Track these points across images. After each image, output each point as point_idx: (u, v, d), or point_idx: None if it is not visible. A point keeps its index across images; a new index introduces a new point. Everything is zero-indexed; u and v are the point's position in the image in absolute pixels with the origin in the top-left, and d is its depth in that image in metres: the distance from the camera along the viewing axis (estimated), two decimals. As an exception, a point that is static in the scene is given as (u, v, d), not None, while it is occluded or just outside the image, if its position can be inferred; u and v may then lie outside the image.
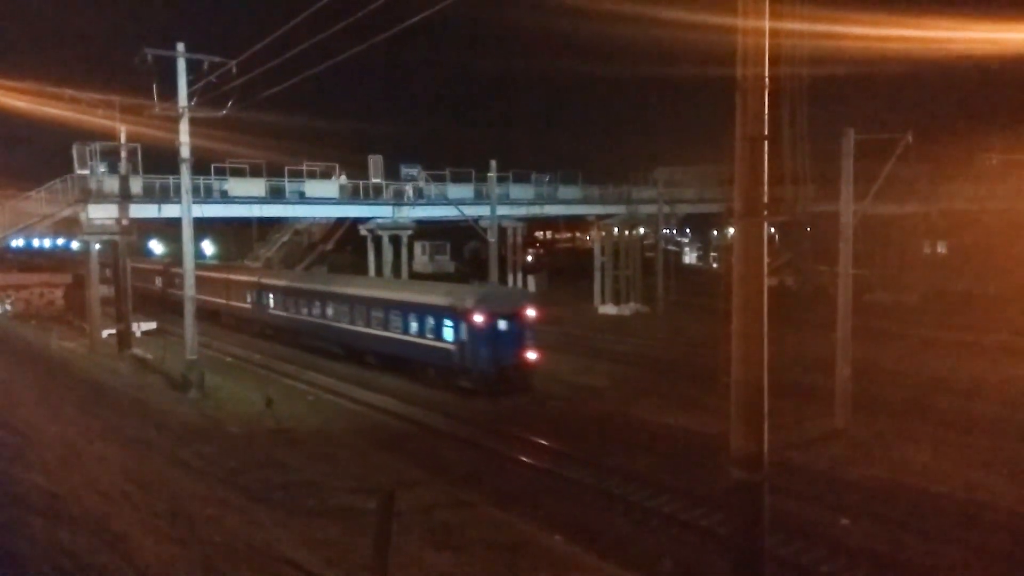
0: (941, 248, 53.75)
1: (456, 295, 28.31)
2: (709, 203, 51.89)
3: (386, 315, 30.37)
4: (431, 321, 28.09)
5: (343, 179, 40.59)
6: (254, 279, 40.95)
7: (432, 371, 28.42)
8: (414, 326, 28.90)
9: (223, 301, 42.81)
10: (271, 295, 38.74)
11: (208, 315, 39.82)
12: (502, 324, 26.80)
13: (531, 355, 27.45)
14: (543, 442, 21.03)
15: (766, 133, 8.09)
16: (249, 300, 40.73)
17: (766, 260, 8.15)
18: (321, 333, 34.92)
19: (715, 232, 77.67)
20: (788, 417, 20.62)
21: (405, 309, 29.51)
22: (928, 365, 28.68)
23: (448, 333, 27.32)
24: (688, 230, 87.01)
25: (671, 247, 66.17)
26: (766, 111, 8.08)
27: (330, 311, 33.83)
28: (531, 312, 28.04)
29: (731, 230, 8.67)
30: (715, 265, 71.91)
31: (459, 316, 26.89)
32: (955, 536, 14.18)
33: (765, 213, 8.12)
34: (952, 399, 23.75)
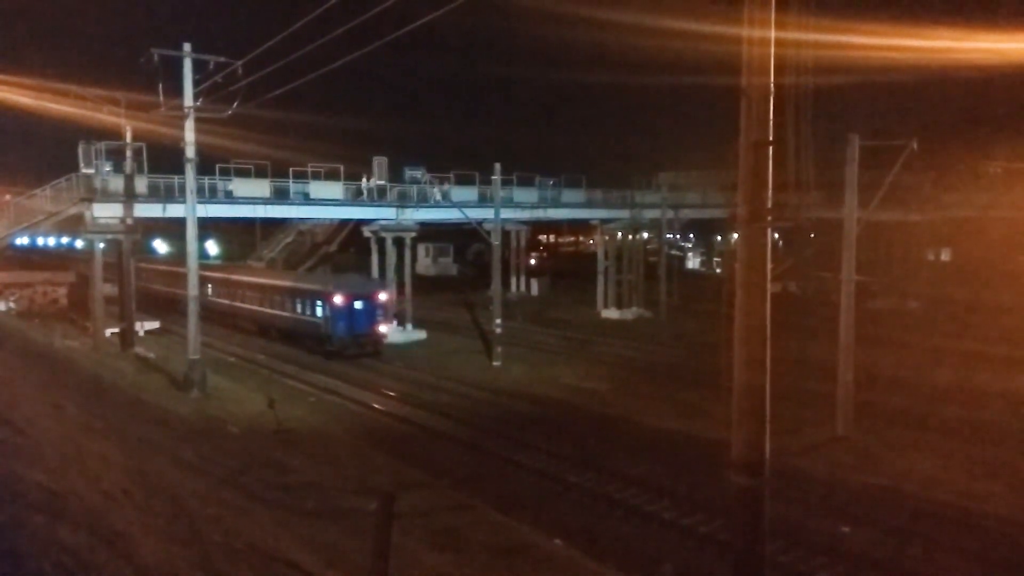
0: (945, 256, 53.63)
1: (323, 282, 37.60)
2: (712, 208, 51.86)
3: (281, 299, 38.57)
4: (308, 302, 36.75)
5: (373, 182, 40.70)
6: (158, 267, 49.35)
7: (309, 340, 36.77)
8: (298, 307, 37.40)
9: (183, 291, 46.93)
10: (209, 285, 43.78)
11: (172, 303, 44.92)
12: (357, 304, 35.42)
13: (382, 328, 36.33)
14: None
15: (771, 139, 8.10)
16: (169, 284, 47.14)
17: (769, 266, 8.14)
18: (240, 315, 42.36)
19: (718, 237, 77.62)
20: (790, 423, 20.59)
21: (292, 294, 37.87)
22: (931, 373, 28.62)
23: (318, 311, 35.95)
24: (691, 235, 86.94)
25: (674, 252, 66.16)
26: (771, 118, 8.08)
27: (245, 297, 41.81)
28: (383, 296, 36.90)
29: (735, 235, 8.67)
30: (718, 270, 71.83)
31: (325, 298, 35.37)
32: (956, 545, 14.14)
33: (769, 219, 8.12)
34: (955, 407, 23.69)
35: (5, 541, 5.30)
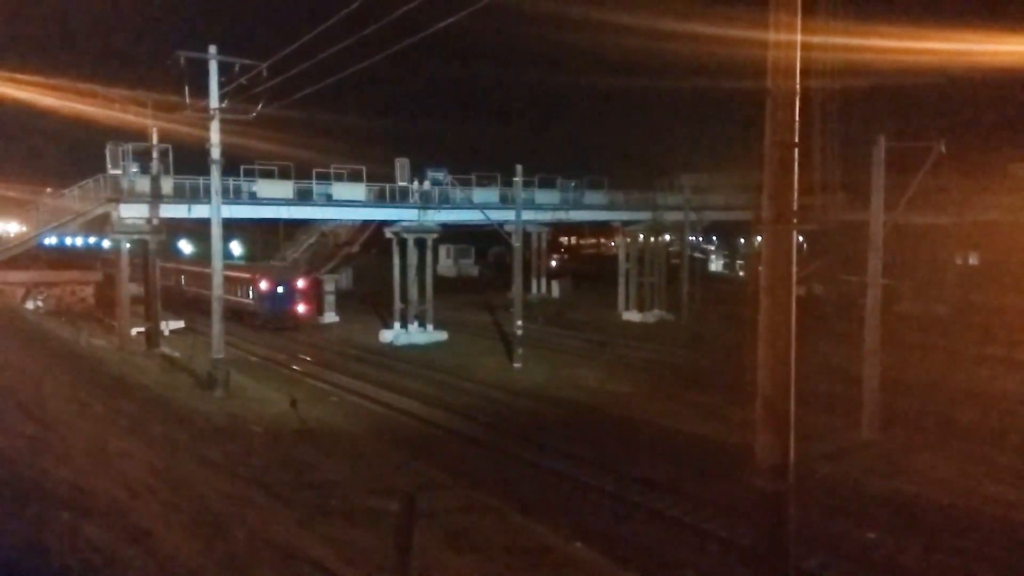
0: (973, 259, 52.79)
1: (253, 272, 47.85)
2: (736, 210, 51.42)
3: (229, 285, 41.27)
4: (244, 288, 46.74)
5: (426, 184, 41.01)
6: (173, 265, 54.90)
7: (245, 316, 45.97)
8: (239, 291, 45.99)
9: (172, 283, 55.17)
10: (183, 276, 54.17)
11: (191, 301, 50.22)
12: (279, 289, 45.59)
13: (300, 308, 46.26)
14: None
15: (796, 141, 8.01)
16: (174, 280, 54.17)
17: (795, 269, 8.05)
18: (204, 299, 44.89)
19: (742, 240, 77.05)
20: (814, 428, 20.37)
21: (235, 282, 45.02)
22: (958, 378, 28.18)
23: (250, 294, 46.53)
24: (714, 237, 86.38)
25: (697, 254, 65.74)
26: (796, 120, 8.00)
27: (202, 283, 45.91)
28: (301, 283, 46.72)
29: (759, 238, 8.58)
30: (741, 273, 71.24)
31: (254, 284, 45.91)
32: (985, 553, 13.91)
33: (794, 221, 8.03)
34: (982, 413, 23.31)
35: (33, 537, 5.37)
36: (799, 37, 7.81)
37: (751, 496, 8.35)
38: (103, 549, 5.94)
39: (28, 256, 38.27)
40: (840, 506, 16.17)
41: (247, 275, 47.76)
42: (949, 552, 14.06)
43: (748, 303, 8.99)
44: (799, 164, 8.06)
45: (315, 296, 48.07)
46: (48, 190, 34.87)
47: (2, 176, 52.50)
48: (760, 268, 8.13)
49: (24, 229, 35.37)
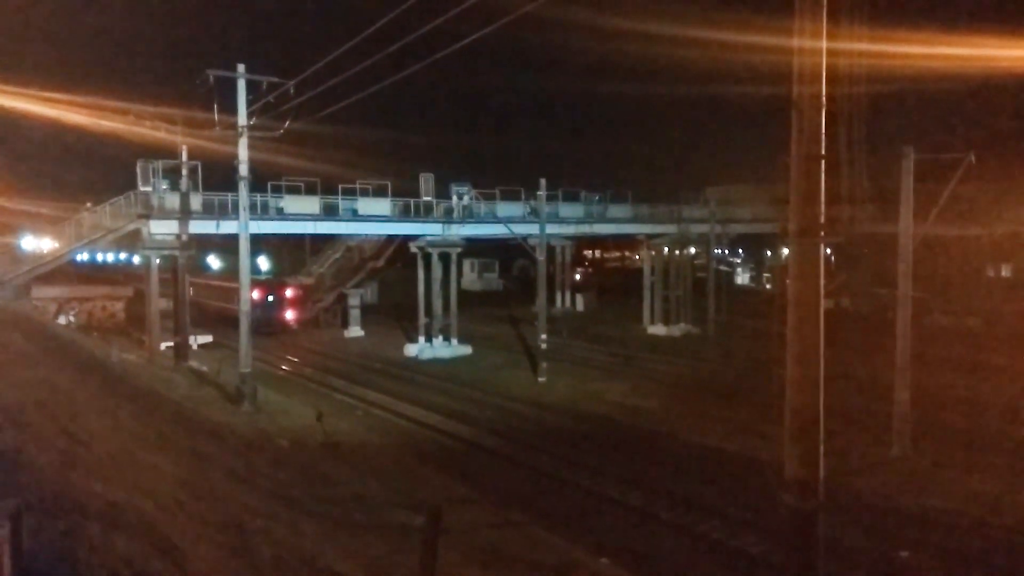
0: (1005, 271, 51.86)
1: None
2: (762, 223, 51.03)
3: (227, 295, 46.64)
4: (238, 296, 49.03)
5: (464, 199, 41.22)
6: (193, 280, 54.43)
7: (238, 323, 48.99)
8: (234, 299, 45.28)
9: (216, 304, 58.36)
10: (204, 290, 55.19)
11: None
12: (269, 297, 50.87)
13: (288, 315, 51.23)
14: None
15: (823, 152, 7.94)
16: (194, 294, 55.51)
17: (823, 282, 7.96)
18: (210, 309, 51.47)
19: (768, 252, 76.36)
20: (844, 443, 20.06)
21: (231, 291, 43.70)
22: (990, 392, 27.61)
23: None
24: (740, 250, 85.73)
25: (723, 267, 65.25)
26: (823, 130, 7.93)
27: (214, 295, 52.84)
28: (289, 292, 51.62)
29: (786, 250, 8.50)
30: (768, 286, 70.55)
31: None
32: (1021, 570, 13.56)
33: (822, 234, 7.94)
34: (1015, 427, 22.80)
35: (64, 549, 5.44)
36: (824, 43, 7.76)
37: (780, 513, 8.22)
38: (132, 561, 6.00)
39: (60, 272, 38.96)
40: (871, 523, 15.88)
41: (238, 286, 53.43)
42: (984, 571, 13.73)
43: (775, 316, 8.90)
44: (826, 175, 7.98)
45: (303, 304, 52.87)
46: (88, 204, 35.48)
47: (35, 194, 53.70)
48: (787, 281, 8.05)
49: (57, 245, 36.04)
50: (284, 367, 38.52)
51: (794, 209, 7.93)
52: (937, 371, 29.25)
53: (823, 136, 7.94)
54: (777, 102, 8.19)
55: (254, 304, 49.36)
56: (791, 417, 8.01)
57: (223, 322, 46.17)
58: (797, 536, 8.04)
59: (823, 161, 7.93)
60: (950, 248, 45.38)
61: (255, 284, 50.58)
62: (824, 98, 7.89)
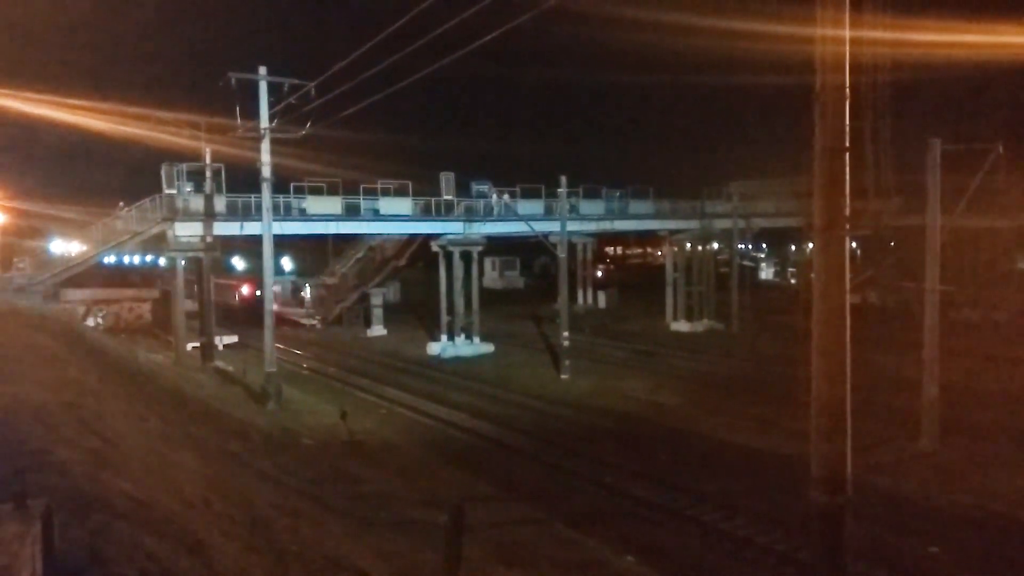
0: (1035, 264, 50.89)
1: (239, 279, 63.09)
2: (786, 217, 50.48)
3: (225, 290, 52.08)
4: (233, 291, 59.57)
5: (503, 200, 41.26)
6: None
7: (233, 314, 51.97)
8: (229, 294, 54.80)
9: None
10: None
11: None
12: (258, 292, 48.65)
13: (275, 307, 58.20)
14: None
15: (847, 144, 7.83)
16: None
17: (848, 275, 7.85)
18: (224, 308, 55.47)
19: (793, 247, 75.59)
20: (872, 439, 19.82)
21: (227, 286, 52.54)
22: (1019, 386, 27.14)
23: (236, 297, 58.75)
24: (764, 245, 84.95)
25: (746, 262, 64.64)
26: (847, 121, 7.82)
27: (224, 295, 55.61)
28: (277, 288, 47.41)
29: (810, 245, 8.40)
30: (793, 281, 69.85)
31: (237, 288, 59.52)
32: (1056, 569, 13.34)
33: (847, 227, 7.84)
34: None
35: (94, 547, 5.51)
36: (847, 33, 7.64)
37: (807, 509, 8.14)
38: (160, 559, 6.06)
39: (88, 274, 39.52)
40: (900, 519, 15.68)
41: (234, 282, 63.50)
42: (1016, 569, 13.51)
43: (800, 311, 8.80)
44: (850, 167, 7.87)
45: (293, 298, 59.08)
46: (121, 204, 35.92)
47: (61, 198, 54.49)
48: (812, 276, 7.95)
49: (84, 249, 36.57)
50: (308, 366, 38.79)
51: (818, 203, 7.83)
52: (966, 365, 28.79)
53: (847, 128, 7.84)
54: (801, 93, 8.08)
55: (243, 298, 56.78)
56: (817, 413, 7.92)
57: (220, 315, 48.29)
58: (824, 533, 7.95)
59: (847, 154, 7.83)
60: (978, 241, 44.63)
61: (244, 280, 61.89)
62: (847, 89, 7.78)
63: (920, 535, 15.05)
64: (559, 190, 36.56)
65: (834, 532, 7.88)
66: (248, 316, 49.57)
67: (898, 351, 27.64)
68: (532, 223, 39.31)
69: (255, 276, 60.84)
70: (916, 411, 20.56)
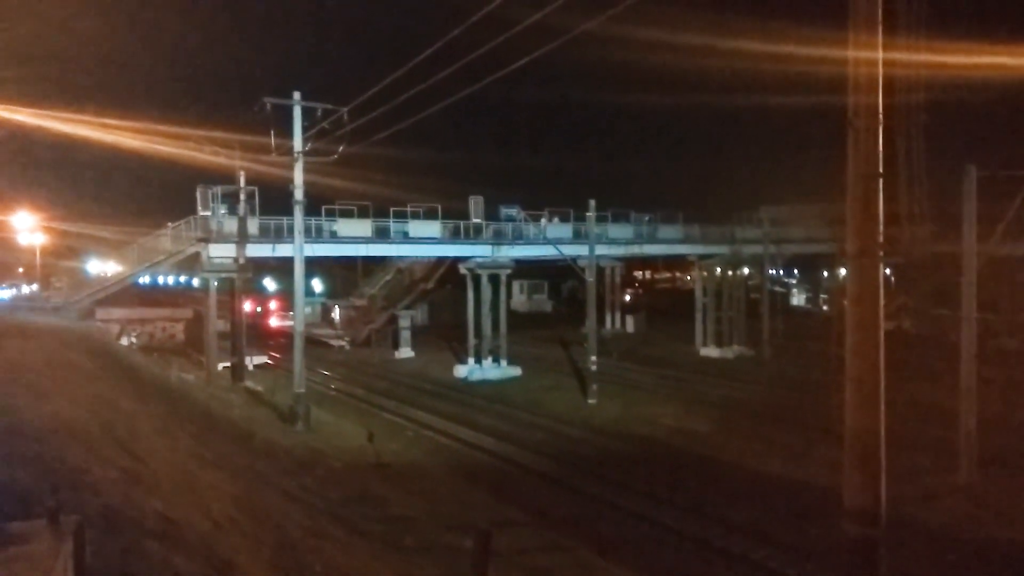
0: (1077, 292, 49.67)
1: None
2: (818, 243, 49.99)
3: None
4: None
5: (554, 221, 41.30)
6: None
7: None
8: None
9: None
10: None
11: None
12: (259, 308, 59.27)
13: (272, 321, 64.48)
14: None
15: (881, 169, 7.75)
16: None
17: (882, 303, 7.74)
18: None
19: (825, 273, 74.66)
20: (906, 469, 19.35)
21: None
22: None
23: None
24: (796, 270, 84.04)
25: (778, 288, 64.00)
26: (880, 146, 7.75)
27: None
28: (272, 304, 68.90)
29: (843, 271, 8.30)
30: (825, 307, 68.95)
31: None
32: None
33: (881, 254, 7.74)
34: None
35: (125, 566, 5.55)
36: (880, 55, 7.59)
37: (840, 541, 7.96)
38: (189, 579, 6.09)
39: (123, 294, 40.26)
40: (936, 554, 15.26)
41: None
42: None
43: (833, 339, 8.68)
44: (885, 192, 7.79)
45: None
46: (169, 224, 36.62)
47: (96, 218, 55.68)
48: (845, 303, 7.85)
49: (120, 269, 37.30)
50: (335, 388, 39.00)
51: (852, 229, 7.75)
52: (1004, 395, 28.09)
53: (880, 153, 7.76)
54: (834, 116, 8.03)
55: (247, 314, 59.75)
56: (851, 442, 7.78)
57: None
58: (857, 566, 7.77)
59: (881, 179, 7.74)
60: (1016, 268, 43.73)
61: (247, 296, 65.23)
62: (881, 113, 7.72)
63: (956, 570, 14.64)
64: (587, 214, 36.59)
65: (867, 565, 7.70)
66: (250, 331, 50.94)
67: (934, 379, 27.05)
68: (560, 247, 39.34)
69: (256, 292, 64.00)
70: (953, 442, 20.08)
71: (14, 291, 51.79)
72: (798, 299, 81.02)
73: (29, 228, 44.00)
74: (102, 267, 45.84)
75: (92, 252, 52.88)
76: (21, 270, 54.68)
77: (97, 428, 10.40)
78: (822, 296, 74.39)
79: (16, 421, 9.19)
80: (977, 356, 19.89)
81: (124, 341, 43.26)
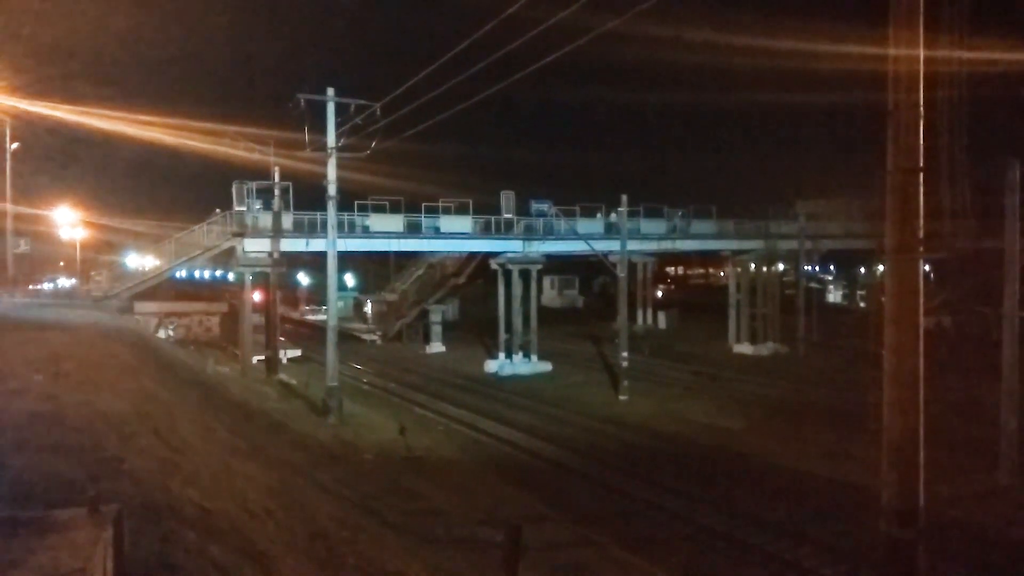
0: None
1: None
2: (856, 238, 49.19)
3: None
4: None
5: (612, 216, 41.40)
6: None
7: None
8: None
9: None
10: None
11: None
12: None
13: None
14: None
15: (921, 165, 7.59)
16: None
17: (922, 300, 7.59)
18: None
19: (862, 269, 73.46)
20: (946, 470, 18.88)
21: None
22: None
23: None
24: (832, 266, 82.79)
25: (813, 284, 63.07)
26: (921, 142, 7.59)
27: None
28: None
29: (881, 267, 8.15)
30: (862, 304, 67.84)
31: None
32: None
33: (920, 250, 7.58)
34: None
35: (163, 553, 5.66)
36: (921, 50, 7.43)
37: (877, 542, 7.84)
38: (225, 568, 6.19)
39: (161, 288, 40.98)
40: (975, 554, 14.95)
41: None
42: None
43: (871, 336, 8.52)
44: (924, 187, 7.63)
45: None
46: (217, 210, 37.14)
47: (133, 213, 56.74)
48: (884, 299, 7.71)
49: (158, 263, 37.97)
50: (368, 381, 39.32)
51: (891, 225, 7.62)
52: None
53: (921, 147, 7.60)
54: (874, 110, 7.88)
55: (256, 307, 62.82)
56: (889, 441, 7.65)
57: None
58: (895, 567, 7.65)
59: (921, 174, 7.59)
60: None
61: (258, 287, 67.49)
62: (922, 107, 7.56)
63: (996, 571, 14.33)
64: (619, 209, 36.38)
65: (905, 566, 7.58)
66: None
67: (974, 378, 26.47)
68: (592, 242, 39.16)
69: (265, 283, 66.30)
70: (993, 442, 19.64)
71: (52, 285, 52.97)
72: (834, 296, 79.77)
73: (70, 223, 44.93)
74: (140, 261, 46.72)
75: (130, 246, 53.96)
76: (62, 264, 55.92)
77: (136, 419, 10.61)
78: (859, 293, 73.20)
79: (58, 412, 9.41)
80: (1019, 354, 19.43)
81: (161, 334, 44.04)
